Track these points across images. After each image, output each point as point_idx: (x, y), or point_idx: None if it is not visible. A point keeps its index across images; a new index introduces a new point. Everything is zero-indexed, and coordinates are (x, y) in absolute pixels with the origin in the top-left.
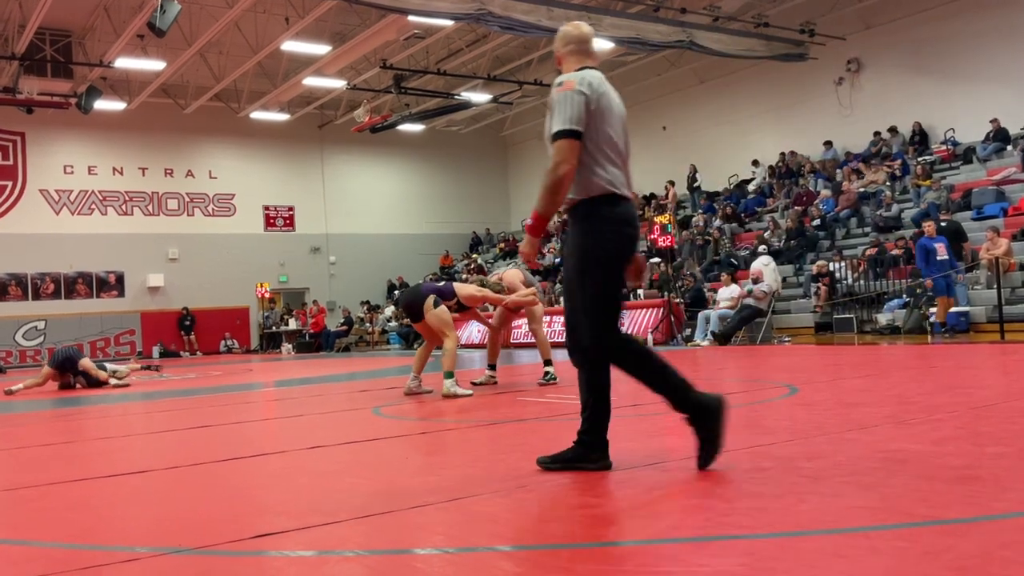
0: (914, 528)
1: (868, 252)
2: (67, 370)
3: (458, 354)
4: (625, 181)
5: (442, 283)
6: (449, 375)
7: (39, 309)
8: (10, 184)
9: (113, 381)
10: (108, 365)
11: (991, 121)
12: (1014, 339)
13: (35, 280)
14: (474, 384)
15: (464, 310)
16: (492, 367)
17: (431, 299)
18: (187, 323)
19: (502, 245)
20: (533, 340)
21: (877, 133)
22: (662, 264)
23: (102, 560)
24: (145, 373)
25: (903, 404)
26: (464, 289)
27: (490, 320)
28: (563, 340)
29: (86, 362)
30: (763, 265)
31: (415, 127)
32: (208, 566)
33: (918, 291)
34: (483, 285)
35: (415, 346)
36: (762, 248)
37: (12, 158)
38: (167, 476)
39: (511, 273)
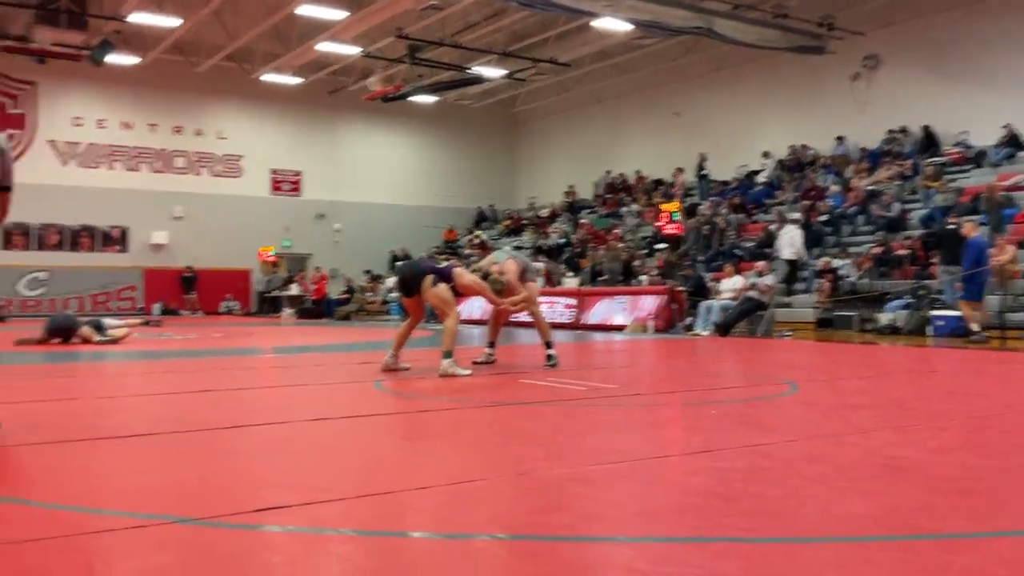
0: (913, 541)
1: (874, 251)
2: (64, 336)
3: (459, 330)
4: None
5: (443, 264)
6: (448, 354)
7: (42, 260)
8: (19, 133)
9: (97, 337)
10: (105, 321)
11: (1004, 126)
12: (1015, 347)
13: (39, 231)
14: (474, 363)
15: (459, 296)
16: (492, 345)
17: (430, 277)
18: (188, 282)
19: (507, 222)
20: (532, 320)
21: (891, 131)
22: (667, 251)
23: (108, 525)
24: (146, 329)
25: (903, 408)
26: (464, 278)
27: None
28: (562, 321)
29: (86, 331)
30: (783, 234)
31: (427, 99)
32: (211, 538)
33: (920, 292)
34: (485, 278)
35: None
36: (793, 215)
37: (22, 107)
38: (171, 440)
39: (510, 266)
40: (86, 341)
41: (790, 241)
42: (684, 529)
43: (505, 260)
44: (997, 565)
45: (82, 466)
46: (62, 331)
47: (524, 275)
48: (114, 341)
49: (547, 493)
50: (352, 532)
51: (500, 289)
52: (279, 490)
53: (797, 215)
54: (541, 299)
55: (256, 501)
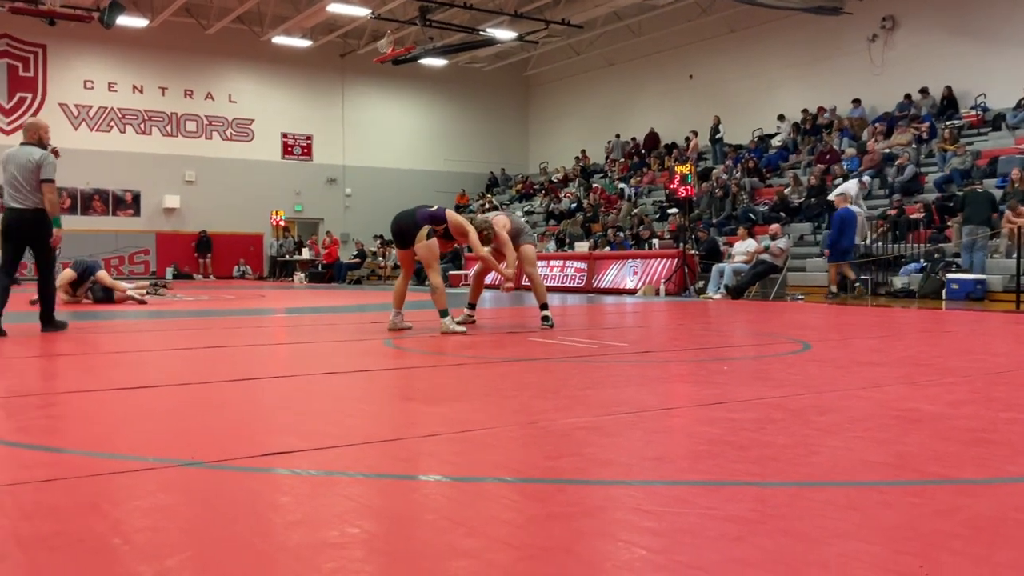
0: (927, 486)
1: (888, 214)
2: (85, 279)
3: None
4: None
5: (435, 207)
6: (444, 313)
7: None
8: (30, 96)
9: (133, 294)
10: (121, 283)
11: None
12: None
13: None
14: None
15: (450, 239)
16: (472, 306)
17: (426, 229)
18: (204, 245)
19: (519, 186)
20: (529, 283)
21: (908, 95)
22: (679, 215)
23: (115, 468)
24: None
25: (917, 366)
26: (454, 217)
27: (501, 265)
28: (573, 285)
29: (102, 274)
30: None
31: (438, 61)
32: (219, 479)
33: (935, 256)
34: (473, 223)
35: (426, 283)
36: (852, 172)
37: (33, 70)
38: (180, 392)
39: (500, 219)
40: (101, 299)
41: (852, 186)
42: (694, 474)
43: (497, 215)
44: (1011, 509)
45: (91, 415)
46: (87, 271)
47: (519, 237)
48: (144, 302)
49: (557, 441)
50: (360, 475)
51: (488, 236)
52: (288, 436)
53: (855, 173)
54: (553, 263)
55: (264, 447)
